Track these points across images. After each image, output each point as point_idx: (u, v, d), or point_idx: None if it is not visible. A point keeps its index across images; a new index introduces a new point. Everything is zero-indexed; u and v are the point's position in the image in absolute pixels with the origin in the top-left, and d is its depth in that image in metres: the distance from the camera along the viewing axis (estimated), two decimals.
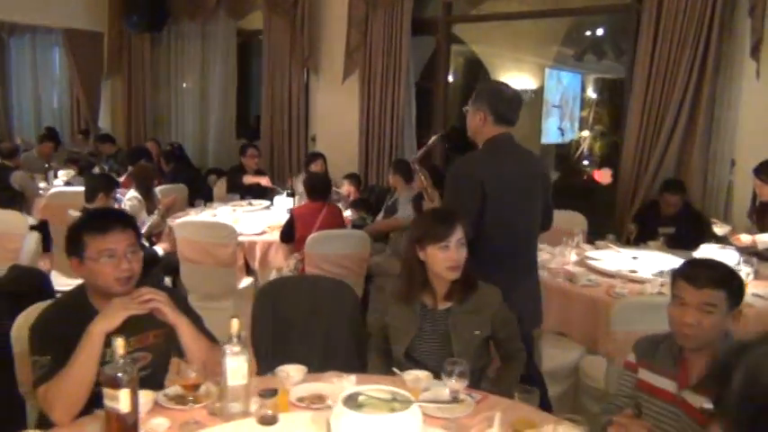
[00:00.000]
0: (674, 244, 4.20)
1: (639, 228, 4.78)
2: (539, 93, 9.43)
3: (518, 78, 9.16)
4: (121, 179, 6.03)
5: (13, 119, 10.12)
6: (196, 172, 6.77)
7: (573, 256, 3.87)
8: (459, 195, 2.59)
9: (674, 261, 3.47)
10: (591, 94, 10.99)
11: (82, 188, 5.26)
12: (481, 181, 2.53)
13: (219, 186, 6.23)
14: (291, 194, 5.29)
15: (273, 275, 4.42)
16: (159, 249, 4.38)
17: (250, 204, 5.30)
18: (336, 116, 6.58)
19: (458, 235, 2.20)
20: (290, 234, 4.31)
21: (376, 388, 1.58)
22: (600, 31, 10.12)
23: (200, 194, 5.88)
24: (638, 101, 4.82)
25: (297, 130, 6.82)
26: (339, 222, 4.39)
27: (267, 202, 5.38)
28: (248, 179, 5.68)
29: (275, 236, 4.42)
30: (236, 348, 1.76)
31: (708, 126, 4.62)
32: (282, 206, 5.18)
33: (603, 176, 8.08)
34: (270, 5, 6.76)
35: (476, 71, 9.59)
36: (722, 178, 4.64)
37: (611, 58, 10.64)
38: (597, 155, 10.44)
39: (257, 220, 4.70)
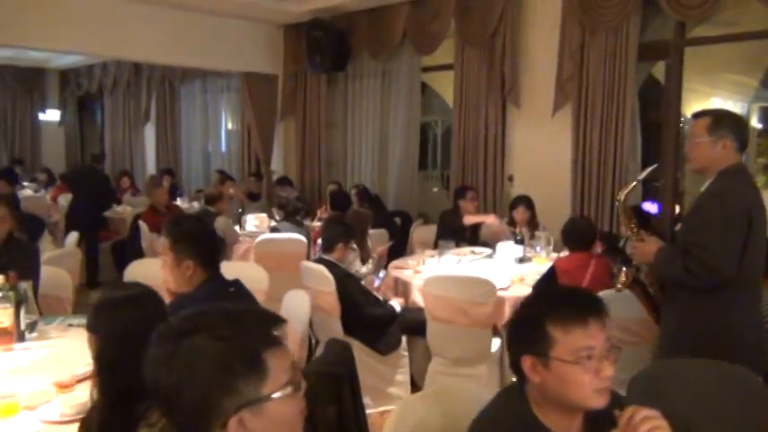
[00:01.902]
0: None
1: None
2: None
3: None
4: (317, 225, 5.75)
5: (182, 162, 10.34)
6: (392, 216, 6.37)
7: None
8: (727, 226, 2.43)
9: None
10: (755, 123, 9.88)
11: (292, 235, 5.01)
12: (749, 212, 2.45)
13: (422, 232, 5.78)
14: (521, 241, 4.73)
15: None
16: (396, 305, 3.93)
17: (473, 253, 4.77)
18: (541, 154, 5.99)
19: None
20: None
21: None
22: None
23: (394, 240, 5.50)
24: None
25: (493, 168, 6.29)
26: (611, 278, 3.75)
27: (489, 250, 4.84)
28: (470, 219, 5.18)
29: (519, 290, 3.85)
30: None
31: None
32: (510, 254, 4.62)
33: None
34: (463, 36, 6.35)
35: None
36: None
37: None
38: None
39: (498, 272, 4.15)
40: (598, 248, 4.04)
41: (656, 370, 2.11)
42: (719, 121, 2.57)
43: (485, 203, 6.30)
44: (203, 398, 1.05)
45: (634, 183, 2.89)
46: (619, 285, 2.79)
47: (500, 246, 4.75)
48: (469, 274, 3.94)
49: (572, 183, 5.69)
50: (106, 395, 1.51)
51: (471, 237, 5.39)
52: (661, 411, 1.30)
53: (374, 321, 3.77)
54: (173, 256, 2.27)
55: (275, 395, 1.08)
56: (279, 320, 1.16)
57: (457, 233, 5.25)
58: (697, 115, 2.69)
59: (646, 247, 2.66)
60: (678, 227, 3.62)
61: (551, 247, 4.75)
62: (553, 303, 1.41)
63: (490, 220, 5.18)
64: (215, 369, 1.05)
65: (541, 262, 4.57)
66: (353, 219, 4.78)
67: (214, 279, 2.29)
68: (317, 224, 5.87)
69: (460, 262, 4.53)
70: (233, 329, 1.09)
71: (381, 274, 4.23)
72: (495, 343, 3.80)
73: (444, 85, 7.86)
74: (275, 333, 1.13)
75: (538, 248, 4.68)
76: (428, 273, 4.24)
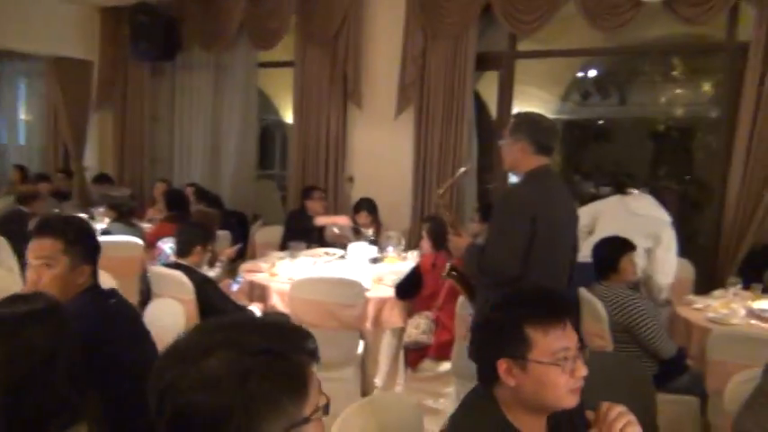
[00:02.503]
0: None
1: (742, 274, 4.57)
2: None
3: None
4: (149, 226, 5.30)
5: None
6: (239, 217, 6.04)
7: (741, 310, 3.55)
8: (511, 227, 2.52)
9: None
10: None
11: (128, 237, 4.56)
12: (533, 215, 2.49)
13: (264, 233, 5.55)
14: (374, 242, 4.73)
15: (388, 338, 3.85)
16: (257, 311, 3.72)
17: (327, 254, 4.68)
18: (382, 156, 6.07)
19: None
20: (411, 289, 3.76)
21: None
22: (592, 72, 10.23)
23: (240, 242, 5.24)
24: (742, 141, 4.63)
25: (334, 169, 6.24)
26: None
27: (341, 251, 4.77)
28: (322, 220, 5.06)
29: (383, 291, 3.85)
30: None
31: None
32: (363, 255, 4.59)
33: None
34: (305, 34, 6.23)
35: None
36: None
37: (597, 99, 10.84)
38: None
39: (356, 273, 4.09)
40: None
41: None
42: (518, 123, 2.68)
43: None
44: (252, 421, 0.88)
45: (450, 181, 3.16)
46: (442, 275, 3.03)
47: (351, 247, 4.71)
48: (335, 275, 3.84)
49: (413, 184, 5.84)
50: (7, 427, 1.23)
51: (320, 238, 5.30)
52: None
53: None
54: (66, 259, 1.92)
55: (314, 416, 0.94)
56: (310, 334, 1.00)
57: (306, 234, 5.11)
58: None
59: (459, 241, 2.81)
60: None
61: (402, 247, 4.81)
62: (531, 306, 1.38)
63: (342, 221, 5.13)
64: (268, 388, 0.90)
65: (393, 262, 4.61)
66: (200, 219, 4.46)
67: (95, 287, 1.97)
68: (147, 225, 5.39)
69: (316, 264, 4.42)
70: (274, 343, 0.93)
71: (239, 277, 3.98)
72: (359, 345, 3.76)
73: (278, 82, 7.65)
74: (312, 346, 0.97)
75: (390, 248, 4.72)
76: (285, 275, 4.09)
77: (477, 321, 1.50)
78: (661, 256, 3.96)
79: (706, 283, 4.59)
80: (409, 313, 3.83)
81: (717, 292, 3.95)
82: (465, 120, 5.57)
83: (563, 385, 1.33)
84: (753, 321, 3.34)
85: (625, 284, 3.26)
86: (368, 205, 5.27)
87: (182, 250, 3.49)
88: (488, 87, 6.32)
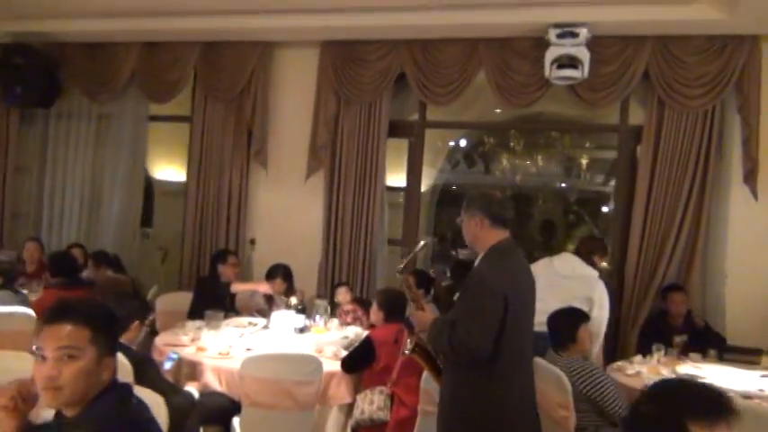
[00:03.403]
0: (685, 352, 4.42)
1: (642, 341, 4.92)
2: None
3: None
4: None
5: None
6: (133, 281, 5.43)
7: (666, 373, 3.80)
8: (482, 308, 2.55)
9: None
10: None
11: (20, 308, 3.96)
12: (505, 295, 2.55)
13: (165, 301, 5.05)
14: (302, 310, 4.49)
15: (335, 415, 3.62)
16: (194, 391, 3.33)
17: (251, 324, 4.35)
18: (288, 218, 5.86)
19: None
20: (362, 362, 3.59)
21: None
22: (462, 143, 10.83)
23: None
24: (638, 216, 5.06)
25: (236, 230, 5.92)
26: None
27: (264, 321, 4.47)
28: (240, 287, 4.70)
29: (327, 365, 3.63)
30: None
31: (705, 243, 4.98)
32: (288, 324, 4.33)
33: None
34: (206, 88, 5.95)
35: None
36: (718, 292, 4.99)
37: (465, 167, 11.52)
38: None
39: (291, 345, 3.85)
40: None
41: None
42: (471, 199, 2.78)
43: None
44: None
45: (411, 254, 3.12)
46: (405, 351, 2.94)
47: (275, 315, 4.44)
48: (288, 351, 3.58)
49: (323, 249, 5.69)
50: None
51: (231, 306, 4.94)
52: None
53: (174, 413, 3.11)
54: (94, 350, 1.58)
55: None
56: None
57: (218, 302, 4.73)
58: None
59: (424, 316, 2.81)
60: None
61: (328, 316, 4.61)
62: (695, 399, 1.33)
63: (263, 288, 4.82)
64: None
65: (320, 332, 4.40)
66: (106, 286, 3.97)
67: (118, 385, 1.65)
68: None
69: (243, 335, 4.09)
70: None
71: (174, 354, 3.54)
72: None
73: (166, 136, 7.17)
74: None
75: (317, 318, 4.50)
76: (214, 349, 3.74)
77: (628, 415, 1.42)
78: (596, 315, 4.14)
79: (611, 349, 4.90)
80: (356, 388, 3.64)
81: (636, 359, 4.20)
82: (378, 185, 5.57)
83: None
84: None
85: (581, 355, 3.36)
86: (284, 272, 5.02)
87: (121, 325, 3.05)
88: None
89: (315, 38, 5.64)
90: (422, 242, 3.28)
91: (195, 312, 4.64)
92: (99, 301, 1.89)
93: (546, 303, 3.63)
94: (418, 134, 5.79)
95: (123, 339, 3.07)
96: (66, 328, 1.57)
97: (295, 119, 5.81)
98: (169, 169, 7.71)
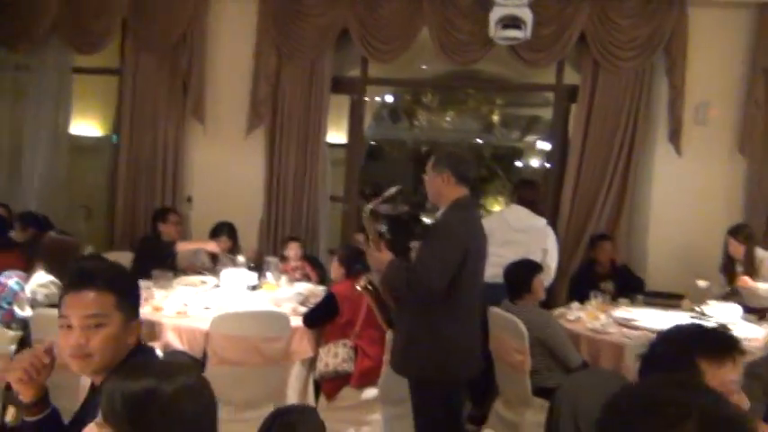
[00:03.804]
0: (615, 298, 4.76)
1: (572, 288, 5.24)
2: None
3: None
4: None
5: None
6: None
7: (603, 317, 4.08)
8: (445, 253, 2.79)
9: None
10: None
11: None
12: (467, 246, 2.82)
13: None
14: (254, 268, 4.47)
15: (297, 369, 3.69)
16: (158, 351, 3.29)
17: (203, 283, 4.29)
18: (229, 175, 5.74)
19: None
20: (325, 317, 3.65)
21: None
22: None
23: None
24: (572, 172, 5.32)
25: (172, 188, 5.74)
26: None
27: (215, 279, 4.42)
28: (186, 245, 4.60)
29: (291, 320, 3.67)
30: None
31: (632, 197, 5.32)
32: (240, 282, 4.31)
33: None
34: (138, 39, 5.67)
35: None
36: (642, 242, 5.38)
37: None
38: None
39: (256, 300, 3.85)
40: None
41: (572, 384, 2.33)
42: (440, 158, 2.98)
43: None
44: None
45: (379, 198, 3.21)
46: (358, 287, 3.20)
47: (226, 273, 4.40)
48: (256, 308, 3.58)
49: (266, 206, 5.64)
50: None
51: (172, 264, 4.83)
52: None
53: None
54: (120, 315, 1.56)
55: None
56: None
57: (160, 261, 4.63)
58: (427, 155, 3.13)
59: (381, 257, 2.95)
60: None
61: (279, 273, 4.62)
62: (705, 339, 1.48)
63: (211, 246, 4.73)
64: None
65: (271, 289, 4.41)
66: (52, 249, 3.80)
67: (141, 346, 1.65)
68: None
69: (198, 294, 4.05)
70: None
71: None
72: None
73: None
74: None
75: (268, 275, 4.50)
76: (171, 309, 3.69)
77: (645, 353, 1.56)
78: (549, 264, 4.37)
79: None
80: (317, 342, 3.71)
81: (574, 305, 4.47)
82: (321, 142, 5.55)
83: None
84: (624, 330, 3.85)
85: (535, 303, 3.56)
86: (228, 230, 4.96)
87: None
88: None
89: None
90: (393, 188, 3.27)
91: (138, 273, 4.48)
92: (119, 264, 1.85)
93: (504, 258, 3.82)
94: (360, 91, 5.78)
95: None
96: (90, 296, 1.55)
97: (234, 73, 5.66)
98: (82, 123, 7.29)
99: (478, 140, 13.08)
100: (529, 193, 4.80)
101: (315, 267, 5.03)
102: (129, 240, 5.65)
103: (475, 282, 2.95)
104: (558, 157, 5.57)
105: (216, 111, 5.71)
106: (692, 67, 5.11)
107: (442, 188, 2.93)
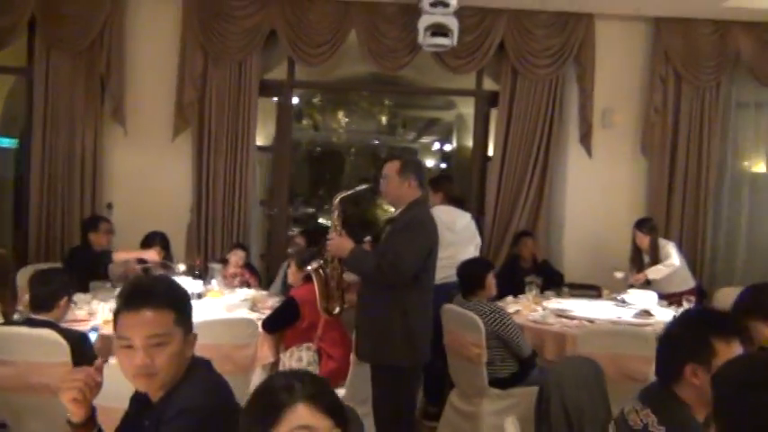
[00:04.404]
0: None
1: (498, 283, 5.56)
2: None
3: None
4: None
5: None
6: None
7: (540, 309, 4.40)
8: (417, 244, 3.10)
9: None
10: None
11: None
12: (432, 241, 3.19)
13: (25, 275, 4.56)
14: (199, 276, 4.39)
15: (259, 375, 3.70)
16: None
17: None
18: (152, 180, 5.54)
19: None
20: (285, 322, 3.68)
21: None
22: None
23: None
24: (494, 173, 5.65)
25: (91, 194, 5.47)
26: None
27: None
28: (123, 255, 4.41)
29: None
30: None
31: (549, 195, 5.72)
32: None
33: None
34: (49, 38, 5.35)
35: None
36: (559, 238, 5.80)
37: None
38: None
39: (208, 308, 3.80)
40: None
41: (556, 373, 2.55)
42: (406, 165, 3.25)
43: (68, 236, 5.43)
44: None
45: (352, 191, 3.44)
46: (309, 268, 3.42)
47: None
48: (225, 316, 3.55)
49: (195, 211, 5.51)
50: None
51: (104, 275, 4.63)
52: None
53: None
54: (180, 332, 1.57)
55: None
56: None
57: (91, 273, 4.44)
58: (388, 159, 3.43)
59: (342, 242, 3.15)
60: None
61: (223, 280, 4.56)
62: (717, 321, 1.71)
63: (151, 255, 4.56)
64: None
65: (217, 296, 4.36)
66: None
67: (196, 357, 1.65)
68: None
69: None
70: None
71: (93, 330, 3.28)
72: None
73: None
74: None
75: (213, 282, 4.43)
76: None
77: (664, 334, 1.78)
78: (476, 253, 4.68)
79: None
80: (278, 347, 3.73)
81: (508, 299, 4.76)
82: (251, 145, 5.51)
83: None
84: (563, 320, 4.17)
85: (487, 298, 3.79)
86: (161, 239, 4.83)
87: (44, 303, 2.81)
88: None
89: None
90: (364, 185, 3.62)
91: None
92: (171, 279, 1.82)
93: (447, 261, 4.03)
94: (287, 93, 5.79)
95: (51, 317, 2.88)
96: (149, 315, 1.53)
97: (157, 74, 5.48)
98: None
99: (375, 141, 13.46)
100: (445, 187, 4.98)
101: (253, 273, 5.01)
102: (44, 252, 5.34)
103: (432, 276, 3.27)
104: (480, 159, 5.88)
105: (138, 114, 5.51)
106: (599, 75, 5.57)
107: (406, 191, 3.21)
